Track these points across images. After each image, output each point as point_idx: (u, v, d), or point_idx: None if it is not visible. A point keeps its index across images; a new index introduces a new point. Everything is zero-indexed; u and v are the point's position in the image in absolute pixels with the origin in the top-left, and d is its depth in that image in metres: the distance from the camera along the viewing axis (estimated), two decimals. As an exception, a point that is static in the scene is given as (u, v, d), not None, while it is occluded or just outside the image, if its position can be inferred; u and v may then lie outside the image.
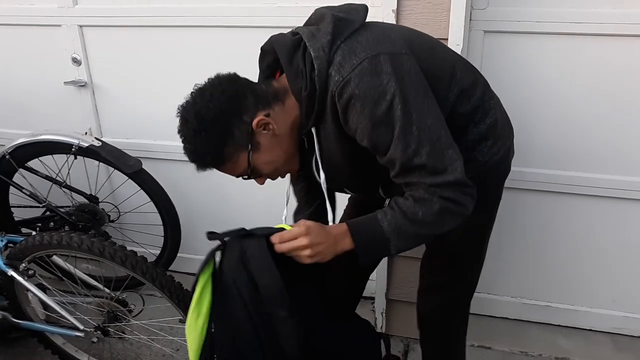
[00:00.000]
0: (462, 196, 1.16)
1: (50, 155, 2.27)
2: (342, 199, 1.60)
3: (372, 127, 1.12)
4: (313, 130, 1.22)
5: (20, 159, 2.22)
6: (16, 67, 2.43)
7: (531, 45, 1.85)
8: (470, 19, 1.82)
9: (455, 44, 1.72)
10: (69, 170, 2.25)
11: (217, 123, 1.17)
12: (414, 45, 1.21)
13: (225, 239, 1.18)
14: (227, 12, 2.06)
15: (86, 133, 2.38)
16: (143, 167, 2.20)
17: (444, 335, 1.71)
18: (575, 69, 1.85)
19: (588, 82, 1.86)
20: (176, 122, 2.07)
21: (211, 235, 1.17)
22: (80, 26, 2.28)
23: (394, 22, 1.73)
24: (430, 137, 1.12)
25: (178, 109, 1.22)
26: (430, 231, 1.19)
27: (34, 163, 2.28)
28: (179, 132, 1.22)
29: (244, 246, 1.17)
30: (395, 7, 1.73)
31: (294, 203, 1.57)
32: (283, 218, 1.43)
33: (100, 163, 2.32)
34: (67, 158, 2.21)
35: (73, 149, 2.12)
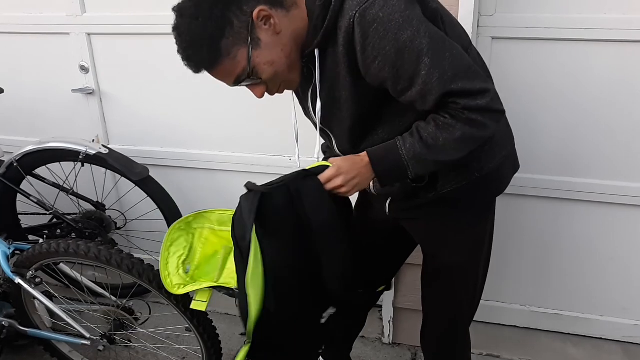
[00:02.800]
0: (490, 121, 1.15)
1: (57, 163, 2.27)
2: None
3: (396, 53, 1.07)
4: (316, 52, 1.16)
5: (27, 167, 2.23)
6: (24, 75, 2.45)
7: (539, 52, 1.84)
8: (478, 26, 1.82)
9: (463, 50, 1.71)
10: (76, 177, 2.26)
11: (215, 9, 1.09)
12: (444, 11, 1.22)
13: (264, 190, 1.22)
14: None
15: (93, 140, 2.39)
16: (150, 174, 2.20)
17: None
18: (583, 75, 1.84)
19: (596, 88, 1.85)
20: (184, 128, 2.07)
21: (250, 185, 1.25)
22: (89, 34, 2.29)
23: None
24: (463, 63, 1.12)
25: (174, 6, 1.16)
26: (449, 157, 1.19)
27: (41, 170, 2.28)
28: (173, 28, 1.15)
29: (298, 187, 1.23)
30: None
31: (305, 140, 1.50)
32: (316, 156, 1.33)
33: (107, 170, 2.32)
34: (75, 165, 2.21)
35: (80, 157, 2.13)
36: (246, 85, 1.20)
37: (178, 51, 1.15)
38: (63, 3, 2.24)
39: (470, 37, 1.68)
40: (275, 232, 1.24)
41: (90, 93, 2.37)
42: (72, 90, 2.35)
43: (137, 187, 2.22)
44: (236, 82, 1.17)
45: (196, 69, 1.16)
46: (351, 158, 1.24)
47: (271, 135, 2.23)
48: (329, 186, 1.23)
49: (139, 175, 2.16)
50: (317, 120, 1.26)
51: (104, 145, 2.19)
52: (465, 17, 1.68)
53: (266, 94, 1.25)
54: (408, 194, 1.35)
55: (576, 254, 2.11)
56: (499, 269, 2.15)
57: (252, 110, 2.18)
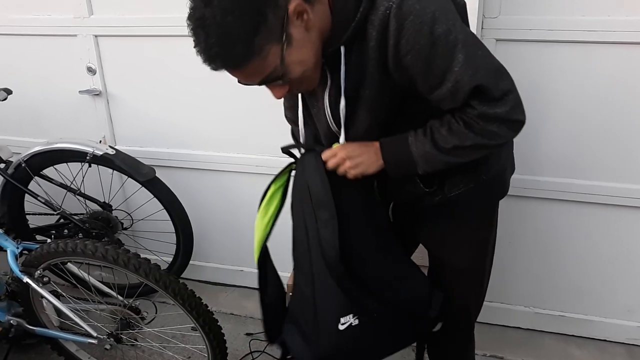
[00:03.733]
0: (506, 131, 1.14)
1: (64, 163, 2.30)
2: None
3: (430, 47, 1.03)
4: (342, 49, 1.09)
5: (35, 167, 2.25)
6: (32, 76, 2.46)
7: (543, 53, 1.85)
8: (482, 27, 1.83)
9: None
10: (83, 178, 2.28)
11: (252, 2, 0.98)
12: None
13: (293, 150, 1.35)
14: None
15: (100, 141, 2.41)
16: (156, 175, 2.22)
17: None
18: (587, 77, 1.85)
19: (600, 90, 1.85)
20: (190, 130, 2.07)
21: (284, 148, 1.34)
22: (96, 36, 2.30)
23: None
24: (494, 62, 1.11)
25: None
26: (458, 160, 1.19)
27: (48, 171, 2.30)
28: (196, 19, 1.00)
29: (304, 159, 1.31)
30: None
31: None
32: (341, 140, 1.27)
33: (114, 171, 2.34)
34: (82, 166, 2.23)
35: (88, 157, 2.15)
36: (271, 86, 1.13)
37: (198, 46, 1.03)
38: (70, 5, 2.26)
39: None
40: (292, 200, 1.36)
41: (97, 94, 2.39)
42: (79, 91, 2.37)
43: (143, 187, 2.24)
44: (262, 82, 1.09)
45: (220, 67, 1.06)
46: (362, 142, 1.25)
47: (276, 135, 2.23)
48: (332, 161, 1.24)
49: (145, 176, 2.18)
50: (342, 113, 1.19)
51: (110, 146, 2.21)
52: (469, 19, 1.69)
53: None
54: (413, 198, 1.35)
55: (580, 256, 2.11)
56: (503, 270, 2.15)
57: (257, 111, 2.19)
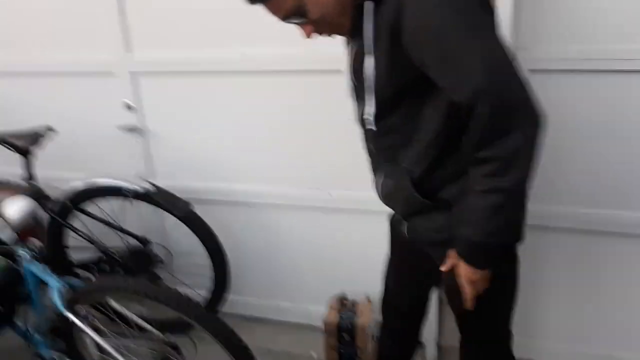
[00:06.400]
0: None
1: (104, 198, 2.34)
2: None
3: (448, 24, 1.06)
4: (369, 4, 1.14)
5: (77, 202, 2.30)
6: (72, 114, 2.53)
7: (577, 83, 1.82)
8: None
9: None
10: (123, 214, 2.32)
11: None
12: None
13: None
14: (278, 59, 2.12)
15: (139, 177, 2.45)
16: (194, 210, 2.25)
17: None
18: (621, 106, 1.81)
19: (634, 118, 1.81)
20: (227, 164, 2.09)
21: None
22: (135, 73, 2.37)
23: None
24: (508, 61, 1.10)
25: None
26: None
27: (89, 205, 2.35)
28: None
29: None
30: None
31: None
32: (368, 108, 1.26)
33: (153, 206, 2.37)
34: (123, 202, 2.28)
35: (129, 194, 2.19)
36: (296, 23, 1.21)
37: None
38: (109, 44, 2.33)
39: None
40: None
41: (136, 130, 2.45)
42: (118, 127, 2.44)
43: (181, 222, 2.27)
44: (285, 18, 1.19)
45: (252, 0, 1.18)
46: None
47: (311, 167, 2.25)
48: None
49: (182, 211, 2.21)
50: (370, 71, 1.20)
51: (150, 183, 2.25)
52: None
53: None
54: (413, 208, 1.33)
55: (616, 290, 2.04)
56: (536, 306, 2.10)
57: (293, 145, 2.23)
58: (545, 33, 1.81)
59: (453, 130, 1.19)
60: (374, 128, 1.28)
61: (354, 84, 1.32)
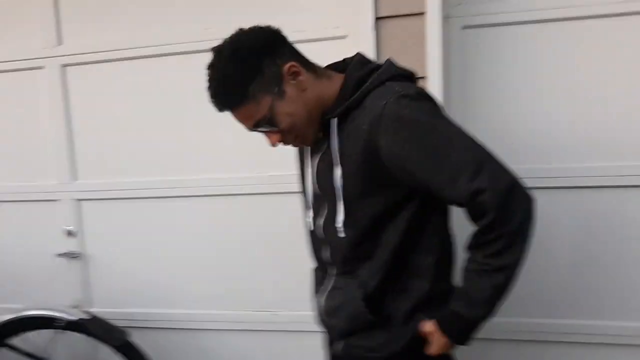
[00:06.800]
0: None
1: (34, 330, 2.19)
2: None
3: (426, 136, 1.14)
4: (333, 121, 1.23)
5: (2, 336, 2.14)
6: (11, 240, 2.46)
7: (510, 36, 1.87)
8: (447, 17, 1.86)
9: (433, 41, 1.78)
10: (53, 346, 2.16)
11: (251, 56, 1.18)
12: None
13: None
14: (224, 182, 2.16)
15: (75, 306, 2.34)
16: (132, 338, 2.12)
17: None
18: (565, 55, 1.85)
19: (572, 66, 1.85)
20: (169, 287, 2.04)
21: None
22: (78, 200, 2.36)
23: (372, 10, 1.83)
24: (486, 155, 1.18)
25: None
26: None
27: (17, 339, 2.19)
28: (208, 66, 1.21)
29: None
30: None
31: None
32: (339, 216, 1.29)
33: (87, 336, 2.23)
34: (54, 333, 2.14)
35: (61, 324, 2.07)
36: (263, 132, 1.26)
37: (207, 88, 1.22)
38: (54, 172, 2.34)
39: (440, 28, 1.77)
40: None
41: (76, 257, 2.38)
42: (57, 254, 2.36)
43: (118, 353, 2.13)
44: (255, 126, 1.24)
45: (221, 107, 1.23)
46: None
47: (255, 289, 2.21)
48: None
49: (119, 341, 2.08)
50: (339, 183, 1.25)
51: (85, 311, 2.13)
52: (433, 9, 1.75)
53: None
54: (356, 325, 1.31)
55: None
56: None
57: (236, 267, 2.20)
58: None
59: (408, 248, 1.25)
60: (343, 235, 1.29)
61: (316, 194, 1.34)
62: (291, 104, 1.22)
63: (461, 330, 1.23)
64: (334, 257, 1.34)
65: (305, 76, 1.22)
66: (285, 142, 1.29)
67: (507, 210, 1.12)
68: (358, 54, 1.32)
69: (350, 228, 1.27)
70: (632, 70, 1.80)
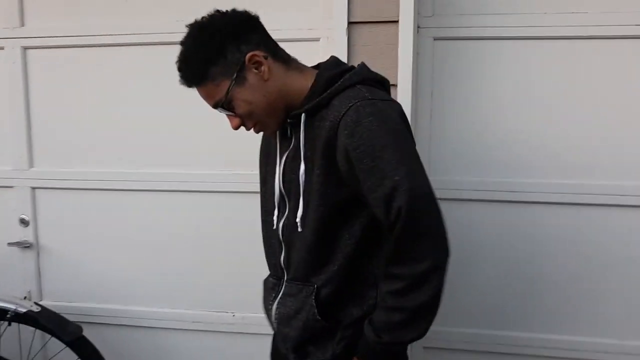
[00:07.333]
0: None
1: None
2: None
3: (380, 150, 1.13)
4: (303, 116, 1.22)
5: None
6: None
7: (481, 50, 1.91)
8: (419, 27, 1.89)
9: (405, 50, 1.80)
10: (0, 337, 2.09)
11: (214, 39, 1.19)
12: None
13: None
14: (184, 178, 2.13)
15: (25, 297, 2.26)
16: (84, 334, 2.07)
17: None
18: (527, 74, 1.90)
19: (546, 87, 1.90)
20: (123, 284, 2.01)
21: None
22: (33, 188, 2.28)
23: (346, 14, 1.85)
24: (428, 189, 1.17)
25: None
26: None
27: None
28: (180, 42, 1.22)
29: None
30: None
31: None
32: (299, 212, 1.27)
33: (37, 330, 2.17)
34: (1, 325, 2.06)
35: (9, 315, 1.99)
36: (225, 114, 1.26)
37: (175, 62, 1.23)
38: (9, 157, 2.26)
39: (412, 38, 1.79)
40: None
41: (28, 246, 2.30)
42: (8, 243, 2.28)
43: (68, 348, 2.07)
44: (215, 106, 1.25)
45: (185, 84, 1.24)
46: None
47: (212, 289, 2.18)
48: None
49: (71, 335, 2.02)
50: (302, 180, 1.25)
51: (35, 303, 2.07)
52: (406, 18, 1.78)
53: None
54: (309, 334, 1.30)
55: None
56: None
57: (194, 264, 2.17)
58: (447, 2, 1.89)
59: (364, 256, 1.25)
60: (300, 229, 1.27)
61: (281, 192, 1.32)
62: (251, 92, 1.22)
63: (377, 357, 1.22)
64: (289, 260, 1.33)
65: (271, 66, 1.22)
66: (246, 128, 1.29)
67: (413, 251, 1.13)
68: (332, 57, 1.33)
69: (307, 226, 1.25)
70: (593, 90, 1.87)
